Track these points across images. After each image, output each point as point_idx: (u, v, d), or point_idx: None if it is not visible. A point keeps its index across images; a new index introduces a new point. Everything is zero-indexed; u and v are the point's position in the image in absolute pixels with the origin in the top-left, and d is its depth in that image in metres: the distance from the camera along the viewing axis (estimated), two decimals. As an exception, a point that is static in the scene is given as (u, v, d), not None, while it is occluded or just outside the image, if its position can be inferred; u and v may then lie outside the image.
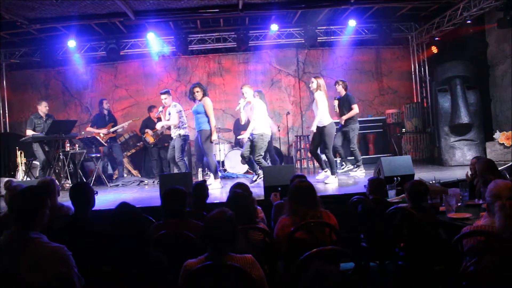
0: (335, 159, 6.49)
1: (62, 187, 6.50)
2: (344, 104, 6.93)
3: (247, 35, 9.01)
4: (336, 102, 6.97)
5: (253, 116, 6.19)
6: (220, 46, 9.58)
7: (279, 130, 8.66)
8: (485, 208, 3.13)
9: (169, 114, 6.51)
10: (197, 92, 6.28)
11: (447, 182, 5.10)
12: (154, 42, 8.93)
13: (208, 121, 6.25)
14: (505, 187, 2.52)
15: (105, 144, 7.87)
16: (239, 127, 8.16)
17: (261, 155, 6.15)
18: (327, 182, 6.14)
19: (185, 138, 6.40)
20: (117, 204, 2.19)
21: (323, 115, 6.26)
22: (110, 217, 2.14)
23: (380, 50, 10.17)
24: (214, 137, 6.30)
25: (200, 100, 6.28)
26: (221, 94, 10.07)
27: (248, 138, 6.26)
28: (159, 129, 7.06)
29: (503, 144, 7.30)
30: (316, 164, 9.51)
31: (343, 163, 7.16)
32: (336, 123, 6.82)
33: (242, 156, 6.34)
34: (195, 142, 6.33)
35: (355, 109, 6.83)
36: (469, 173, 4.31)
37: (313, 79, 6.38)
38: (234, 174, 8.18)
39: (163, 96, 6.59)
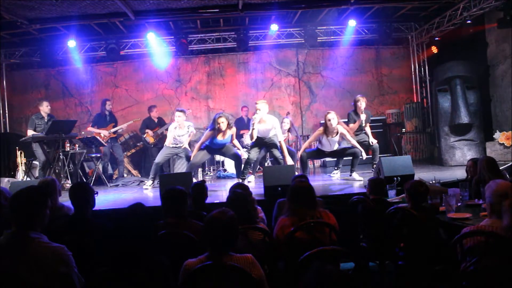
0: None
1: (62, 187, 6.49)
2: (367, 120, 6.99)
3: (247, 35, 9.01)
4: (363, 117, 6.82)
5: (279, 131, 6.28)
6: (220, 46, 9.58)
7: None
8: (485, 208, 3.14)
9: (189, 131, 6.88)
10: (222, 123, 6.06)
11: (447, 182, 5.09)
12: (154, 42, 8.94)
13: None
14: (510, 186, 2.48)
15: (105, 144, 7.86)
16: (239, 127, 8.15)
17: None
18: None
19: None
20: (131, 204, 2.16)
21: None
22: (121, 215, 2.09)
23: (380, 50, 10.18)
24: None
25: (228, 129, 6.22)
26: (221, 94, 10.08)
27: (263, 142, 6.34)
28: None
29: (503, 144, 7.29)
30: (316, 164, 9.60)
31: (336, 168, 7.03)
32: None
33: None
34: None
35: None
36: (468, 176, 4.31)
37: (334, 115, 6.19)
38: (234, 174, 8.15)
39: (181, 114, 6.75)
